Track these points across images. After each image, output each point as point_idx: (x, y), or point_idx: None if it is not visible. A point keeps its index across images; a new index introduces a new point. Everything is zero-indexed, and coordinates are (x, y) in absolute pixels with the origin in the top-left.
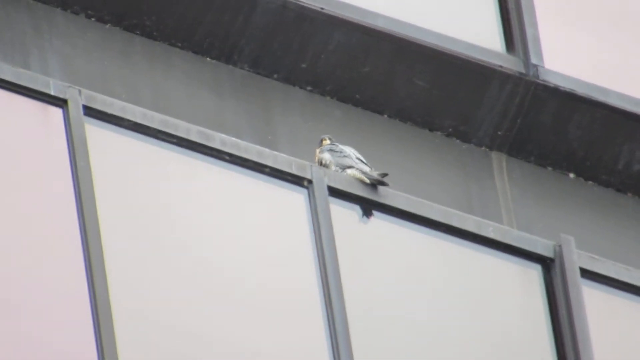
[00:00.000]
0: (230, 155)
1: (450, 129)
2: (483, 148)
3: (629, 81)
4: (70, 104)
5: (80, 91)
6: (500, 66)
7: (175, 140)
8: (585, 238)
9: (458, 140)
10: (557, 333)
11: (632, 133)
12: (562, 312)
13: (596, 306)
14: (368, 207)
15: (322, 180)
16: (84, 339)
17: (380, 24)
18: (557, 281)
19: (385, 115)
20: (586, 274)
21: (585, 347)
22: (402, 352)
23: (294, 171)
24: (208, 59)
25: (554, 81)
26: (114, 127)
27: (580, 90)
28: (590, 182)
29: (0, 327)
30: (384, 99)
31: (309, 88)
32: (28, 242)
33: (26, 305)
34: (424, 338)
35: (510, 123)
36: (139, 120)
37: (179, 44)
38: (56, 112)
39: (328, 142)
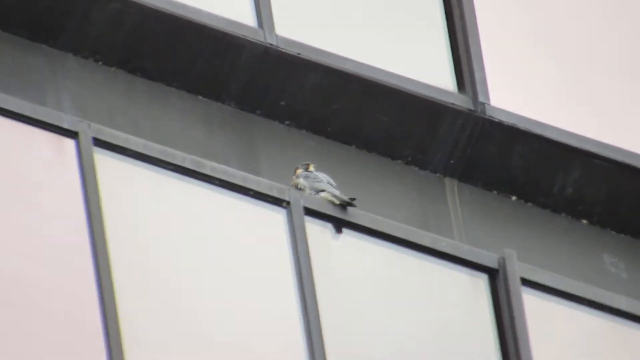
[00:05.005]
0: (220, 180)
1: (409, 158)
2: (437, 175)
3: (563, 117)
4: (81, 136)
5: (89, 125)
6: (452, 104)
7: (172, 167)
8: (525, 252)
9: (416, 168)
10: (501, 335)
11: (565, 162)
12: (506, 316)
13: (535, 311)
14: (338, 224)
15: (298, 201)
16: None
17: (348, 67)
18: (501, 289)
19: (354, 146)
20: (526, 282)
21: (525, 347)
22: (371, 350)
23: (275, 194)
24: (200, 97)
25: (498, 117)
26: (119, 155)
27: (522, 125)
28: (529, 204)
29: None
30: (352, 132)
31: (287, 122)
32: (44, 267)
33: (36, 337)
34: (382, 336)
35: (460, 153)
36: (140, 150)
37: (175, 84)
38: (69, 143)
39: (312, 168)
